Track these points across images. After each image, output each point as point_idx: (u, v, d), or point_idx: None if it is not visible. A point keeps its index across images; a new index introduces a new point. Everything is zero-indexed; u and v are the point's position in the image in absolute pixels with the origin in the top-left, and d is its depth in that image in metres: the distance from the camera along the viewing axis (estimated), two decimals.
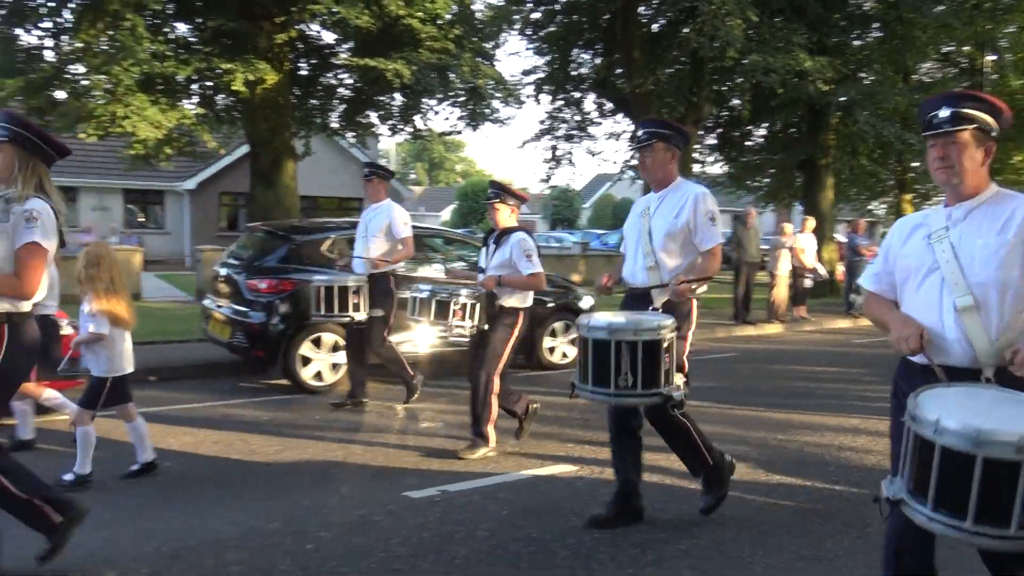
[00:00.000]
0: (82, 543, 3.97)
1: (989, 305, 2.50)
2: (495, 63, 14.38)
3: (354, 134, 16.56)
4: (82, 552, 3.86)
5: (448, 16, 12.35)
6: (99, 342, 4.92)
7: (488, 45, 14.11)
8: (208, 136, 12.45)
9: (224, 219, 28.28)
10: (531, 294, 5.77)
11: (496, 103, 14.01)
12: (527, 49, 18.52)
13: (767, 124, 20.34)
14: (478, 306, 5.61)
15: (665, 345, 3.73)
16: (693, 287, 4.06)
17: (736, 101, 18.38)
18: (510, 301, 5.64)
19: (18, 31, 12.09)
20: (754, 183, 23.61)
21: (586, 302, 9.69)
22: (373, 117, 15.34)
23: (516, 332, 5.63)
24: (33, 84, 11.42)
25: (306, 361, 7.74)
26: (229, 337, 7.99)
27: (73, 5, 11.20)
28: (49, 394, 6.04)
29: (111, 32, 10.29)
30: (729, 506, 4.51)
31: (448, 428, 6.49)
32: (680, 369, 4.03)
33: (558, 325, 9.39)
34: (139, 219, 28.87)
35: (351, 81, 14.56)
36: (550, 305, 9.25)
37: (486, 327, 5.61)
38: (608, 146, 32.57)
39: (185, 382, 8.26)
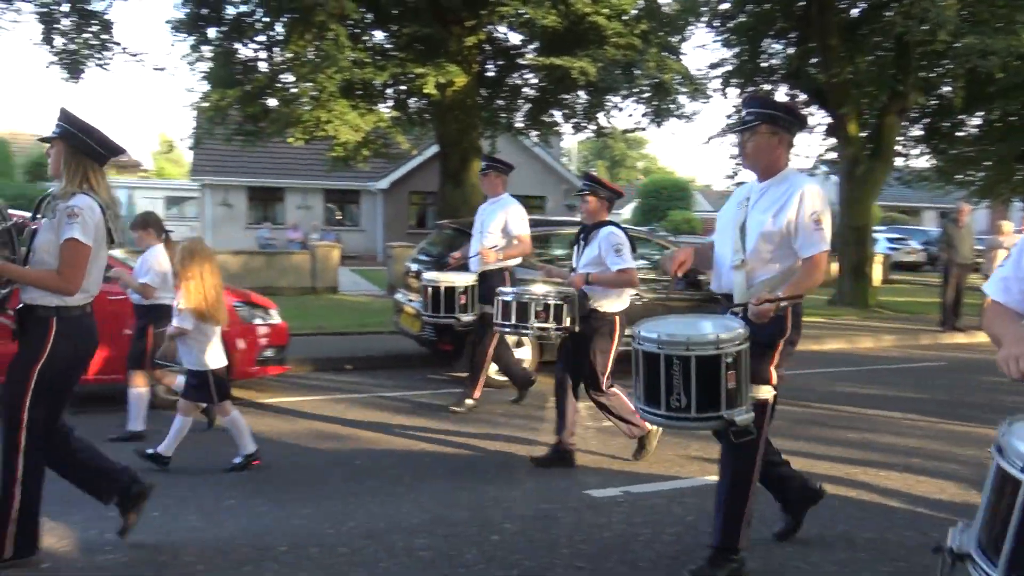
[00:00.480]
0: (287, 519, 4.28)
1: None
2: (681, 57, 14.01)
3: (538, 133, 16.77)
4: (287, 527, 4.14)
5: (634, 11, 12.23)
6: (186, 336, 5.03)
7: (674, 39, 13.83)
8: (402, 138, 13.05)
9: (414, 217, 29.57)
10: (628, 295, 5.37)
11: (682, 98, 13.71)
12: (714, 41, 17.74)
13: (982, 112, 18.53)
14: (564, 308, 5.30)
15: (729, 360, 3.11)
16: (779, 305, 3.33)
17: (947, 88, 16.88)
18: (604, 303, 5.21)
19: (236, 45, 13.22)
20: (966, 177, 21.61)
21: None
22: (557, 116, 15.47)
23: (616, 340, 5.22)
24: (249, 94, 12.46)
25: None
26: (419, 330, 8.32)
27: (284, 20, 12.10)
28: (179, 380, 6.33)
29: (317, 43, 11.02)
30: (937, 526, 4.14)
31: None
32: (766, 381, 3.46)
33: None
34: (337, 217, 30.79)
35: (536, 81, 14.75)
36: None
37: (577, 330, 5.29)
38: (800, 140, 31.11)
39: (379, 371, 8.70)
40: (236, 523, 4.20)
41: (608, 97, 13.88)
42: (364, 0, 11.45)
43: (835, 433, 6.44)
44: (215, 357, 5.11)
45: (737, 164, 19.03)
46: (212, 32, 12.86)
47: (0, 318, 3.56)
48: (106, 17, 12.60)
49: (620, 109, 14.67)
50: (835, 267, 16.09)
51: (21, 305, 3.48)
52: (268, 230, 27.93)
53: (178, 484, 4.85)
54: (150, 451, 5.11)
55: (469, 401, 6.84)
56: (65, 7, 12.16)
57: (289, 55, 11.63)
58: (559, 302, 5.31)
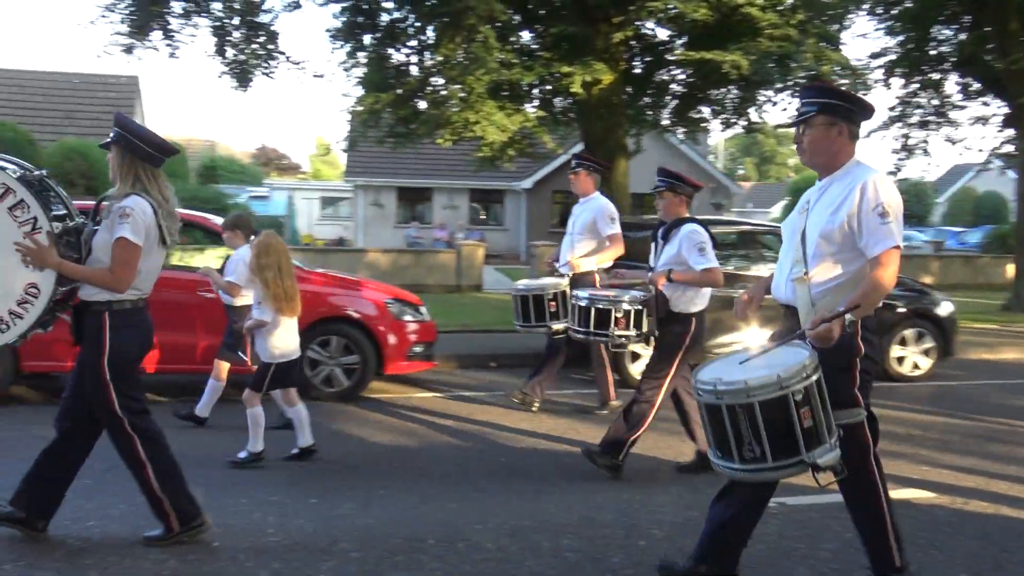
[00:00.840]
0: (434, 512, 4.36)
1: None
2: (840, 47, 13.30)
3: (684, 130, 16.40)
4: (435, 520, 4.23)
5: (790, 1, 11.72)
6: (263, 328, 5.10)
7: (833, 28, 13.15)
8: (547, 137, 13.11)
9: (556, 216, 29.68)
10: (707, 294, 5.06)
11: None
12: (876, 30, 16.68)
13: None
14: (644, 312, 5.04)
15: (798, 398, 2.77)
16: (844, 320, 2.92)
17: None
18: (682, 304, 4.93)
19: (389, 51, 13.69)
20: None
21: (944, 307, 8.65)
22: (705, 112, 15.06)
23: (687, 340, 4.94)
24: (401, 97, 12.88)
25: (635, 357, 7.81)
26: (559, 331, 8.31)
27: (435, 24, 12.42)
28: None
29: (466, 45, 11.25)
30: None
31: None
32: (852, 403, 3.10)
33: (909, 333, 8.49)
34: (481, 216, 31.37)
35: (683, 76, 14.42)
36: (900, 311, 8.39)
37: (656, 334, 5.03)
38: (972, 132, 28.66)
39: (522, 370, 8.76)
40: (387, 513, 4.33)
41: (760, 91, 13.38)
42: (511, 1, 11.57)
43: (1012, 450, 5.91)
44: (286, 349, 5.15)
45: (900, 159, 17.90)
46: (367, 39, 13.37)
47: (62, 315, 3.77)
48: (272, 28, 13.38)
49: (774, 103, 14.09)
50: (1011, 269, 14.85)
51: (79, 302, 3.67)
52: (415, 229, 28.83)
53: (334, 473, 5.06)
54: (242, 455, 5.15)
55: (614, 403, 6.74)
56: (236, 20, 13.00)
57: (439, 58, 11.92)
58: (638, 307, 5.10)
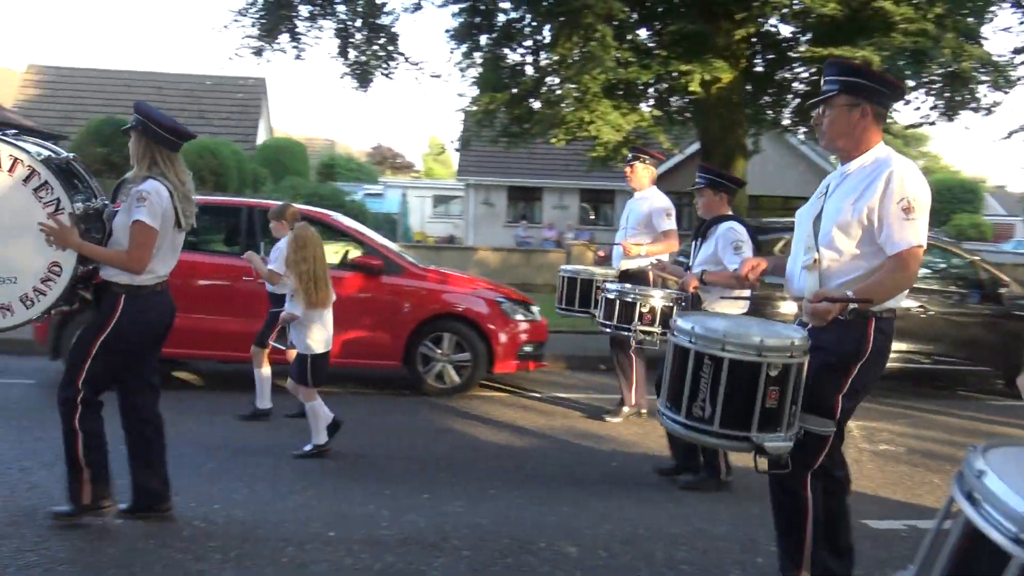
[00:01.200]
0: (545, 515, 4.32)
1: None
2: (981, 42, 12.46)
3: (806, 130, 15.78)
4: (545, 523, 4.18)
5: None
6: (297, 320, 5.12)
7: (974, 21, 12.34)
8: (663, 137, 12.86)
9: None
10: (746, 297, 4.73)
11: (982, 88, 12.19)
12: (1021, 23, 15.53)
13: None
14: (675, 310, 4.75)
15: (773, 373, 2.59)
16: (846, 307, 2.74)
17: None
18: (718, 306, 4.65)
19: (505, 51, 13.76)
20: None
21: None
22: None
23: None
24: (516, 97, 12.91)
25: None
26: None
27: (552, 24, 12.38)
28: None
29: (582, 44, 11.15)
30: None
31: (911, 454, 5.80)
32: (827, 413, 2.88)
33: None
34: (590, 216, 31.18)
35: (807, 74, 13.87)
36: None
37: None
38: None
39: None
40: (497, 512, 4.32)
41: None
42: None
43: None
44: (320, 342, 5.18)
45: None
46: (483, 39, 13.47)
47: (84, 293, 3.87)
48: (393, 30, 13.67)
49: (906, 102, 13.36)
50: None
51: (100, 280, 3.80)
52: (523, 228, 28.93)
53: (443, 469, 5.09)
54: (308, 448, 5.19)
55: (626, 409, 6.49)
56: (358, 23, 13.34)
57: (555, 58, 11.87)
58: (668, 304, 4.85)
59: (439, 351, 7.24)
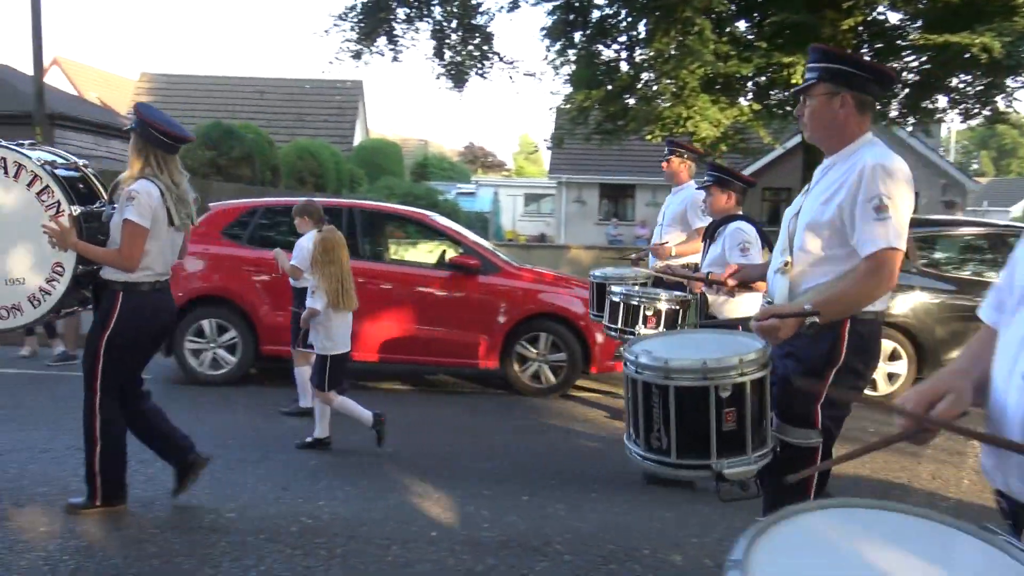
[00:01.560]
0: (647, 520, 4.22)
1: None
2: None
3: (915, 122, 15.04)
4: (648, 528, 4.09)
5: None
6: (317, 318, 5.11)
7: None
8: (764, 131, 12.50)
9: (766, 213, 28.41)
10: (755, 299, 4.23)
11: None
12: None
13: None
14: (681, 313, 4.48)
15: (725, 395, 2.35)
16: (803, 322, 2.48)
17: None
18: (725, 309, 4.41)
19: (599, 47, 13.64)
20: None
21: None
22: (942, 101, 13.72)
23: None
24: (611, 93, 12.79)
25: None
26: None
27: (647, 18, 12.20)
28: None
29: (680, 38, 10.94)
30: None
31: None
32: (807, 423, 2.63)
33: None
34: None
35: (917, 63, 13.22)
36: None
37: None
38: None
39: None
40: (599, 517, 4.25)
41: (1014, 77, 11.95)
42: None
43: None
44: (339, 343, 5.21)
45: None
46: (577, 36, 13.38)
47: (84, 291, 3.99)
48: (488, 30, 13.74)
49: None
50: None
51: (98, 280, 3.91)
52: (614, 226, 28.68)
53: (541, 470, 5.05)
54: (308, 439, 5.28)
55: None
56: (454, 24, 13.48)
57: (651, 53, 11.69)
58: (674, 307, 4.60)
59: (535, 351, 7.21)
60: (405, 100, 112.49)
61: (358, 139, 29.22)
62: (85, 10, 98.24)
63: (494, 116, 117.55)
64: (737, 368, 2.38)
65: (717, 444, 2.39)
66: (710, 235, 4.75)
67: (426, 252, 10.12)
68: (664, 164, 6.13)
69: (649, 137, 12.30)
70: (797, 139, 15.19)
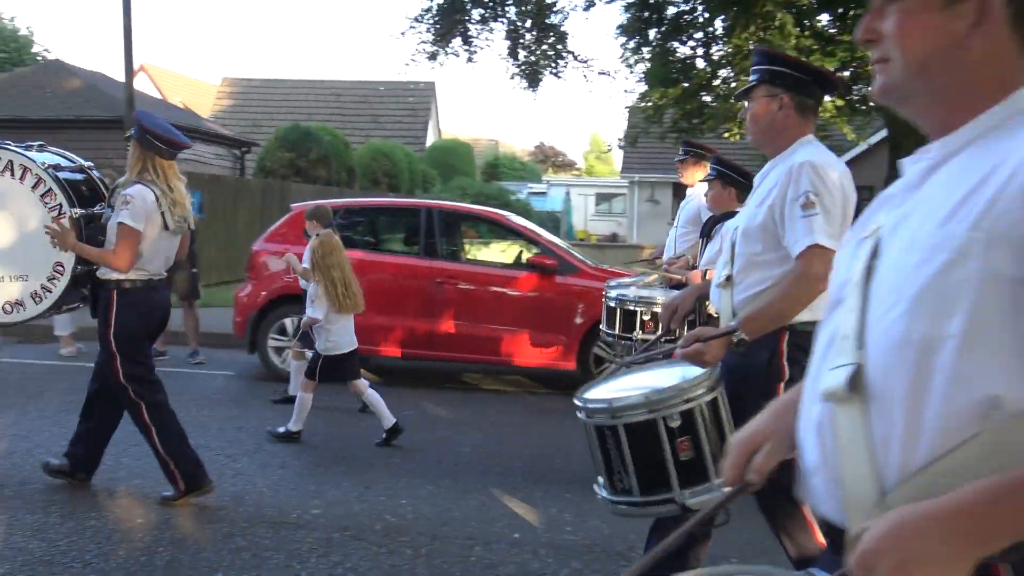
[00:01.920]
0: (735, 529, 4.10)
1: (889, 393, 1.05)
2: None
3: None
4: (738, 537, 3.98)
5: None
6: (320, 322, 5.17)
7: None
8: (847, 128, 12.15)
9: None
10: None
11: None
12: None
13: None
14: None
15: (675, 425, 2.22)
16: (731, 340, 2.39)
17: None
18: None
19: (674, 44, 13.44)
20: None
21: None
22: None
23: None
24: (688, 91, 12.60)
25: None
26: None
27: (724, 13, 11.97)
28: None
29: (760, 33, 10.70)
30: None
31: None
32: None
33: None
34: None
35: None
36: None
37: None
38: None
39: None
40: None
41: None
42: None
43: None
44: (341, 344, 5.28)
45: None
46: (651, 33, 13.22)
47: (83, 290, 4.11)
48: (562, 29, 13.71)
49: None
50: None
51: (95, 280, 4.03)
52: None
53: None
54: (280, 430, 5.32)
55: None
56: (528, 23, 13.48)
57: (729, 49, 11.47)
58: None
59: (611, 353, 7.13)
60: (475, 100, 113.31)
61: (430, 140, 29.53)
62: (170, 18, 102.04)
63: (564, 115, 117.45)
64: (682, 395, 2.29)
65: (678, 475, 2.29)
66: (707, 232, 4.65)
67: (499, 252, 10.12)
68: (679, 165, 6.01)
69: (728, 135, 12.08)
70: (882, 135, 14.69)
